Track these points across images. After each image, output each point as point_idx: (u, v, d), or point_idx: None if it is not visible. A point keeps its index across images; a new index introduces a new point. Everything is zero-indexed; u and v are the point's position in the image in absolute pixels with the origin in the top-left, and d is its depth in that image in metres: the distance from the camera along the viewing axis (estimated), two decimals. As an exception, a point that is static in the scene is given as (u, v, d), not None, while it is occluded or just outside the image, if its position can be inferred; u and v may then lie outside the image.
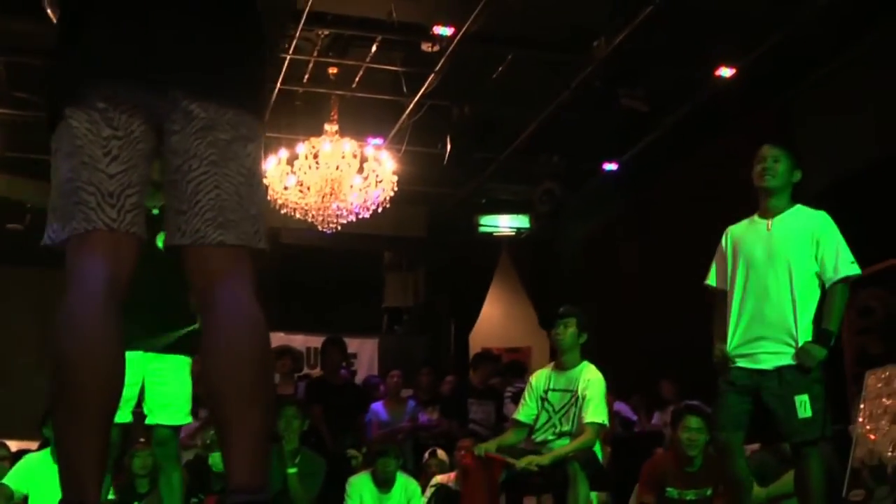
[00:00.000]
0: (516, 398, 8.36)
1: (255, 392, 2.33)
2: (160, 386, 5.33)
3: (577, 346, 6.68)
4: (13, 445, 8.96)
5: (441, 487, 7.58)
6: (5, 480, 6.75)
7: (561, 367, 6.72)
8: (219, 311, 2.37)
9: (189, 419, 5.57)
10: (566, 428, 6.53)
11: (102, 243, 2.38)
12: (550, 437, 6.59)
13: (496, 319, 14.58)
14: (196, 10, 2.45)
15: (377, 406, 10.27)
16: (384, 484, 7.81)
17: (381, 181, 10.73)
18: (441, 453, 8.85)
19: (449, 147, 11.41)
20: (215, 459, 7.58)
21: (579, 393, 6.51)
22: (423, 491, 7.92)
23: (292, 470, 7.20)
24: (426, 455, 8.89)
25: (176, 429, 5.47)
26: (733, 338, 5.28)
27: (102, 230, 2.37)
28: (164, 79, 2.39)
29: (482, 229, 14.53)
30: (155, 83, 2.39)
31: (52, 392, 2.31)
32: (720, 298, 5.46)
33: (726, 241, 5.51)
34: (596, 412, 6.45)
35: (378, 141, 11.23)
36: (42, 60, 9.84)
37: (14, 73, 10.29)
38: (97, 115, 2.38)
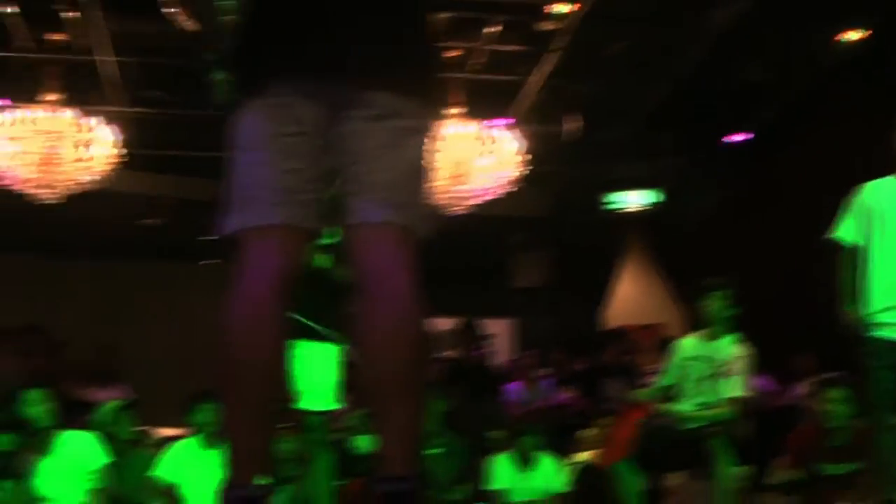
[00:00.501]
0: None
1: (409, 379, 2.36)
2: (308, 372, 5.41)
3: (723, 319, 6.61)
4: (161, 433, 9.20)
5: (585, 466, 7.58)
6: (153, 472, 6.93)
7: (706, 337, 6.65)
8: (377, 293, 2.39)
9: (336, 405, 5.64)
10: (706, 399, 6.47)
11: (275, 238, 2.43)
12: (690, 408, 6.54)
13: (629, 297, 14.46)
14: (370, 2, 2.49)
15: (513, 386, 10.29)
16: (526, 463, 7.83)
17: (506, 162, 10.71)
18: (582, 432, 8.84)
19: (573, 125, 11.35)
20: (358, 443, 7.67)
21: (723, 365, 6.44)
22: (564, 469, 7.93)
23: (432, 452, 7.25)
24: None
25: (324, 414, 5.55)
26: (874, 301, 5.08)
27: (277, 225, 2.42)
28: (342, 71, 2.43)
29: (609, 206, 14.41)
30: (333, 76, 2.44)
31: (218, 379, 2.38)
32: (852, 254, 5.21)
33: (863, 196, 5.24)
34: (738, 385, 6.38)
35: (502, 122, 11.21)
36: (169, 60, 10.08)
37: (145, 73, 10.51)
38: (275, 111, 2.43)
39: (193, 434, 7.17)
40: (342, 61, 2.44)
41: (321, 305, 5.27)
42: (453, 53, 10.60)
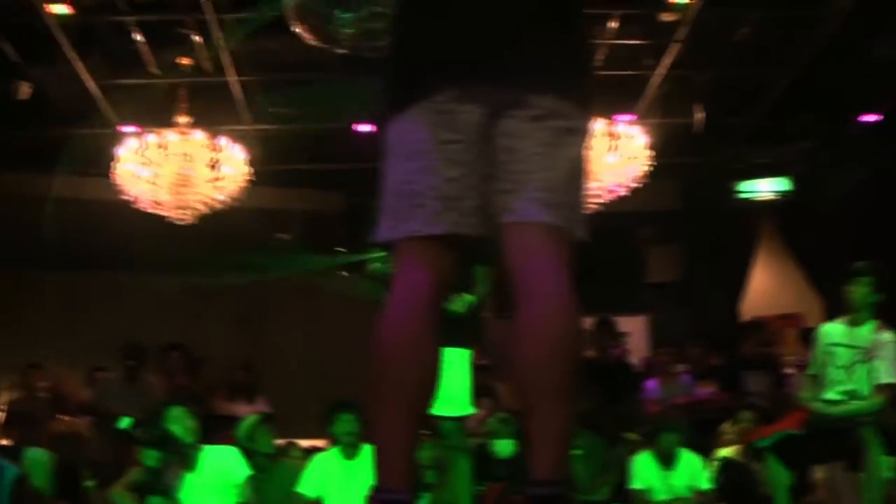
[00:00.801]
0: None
1: (563, 382, 2.34)
2: (441, 379, 5.42)
3: (867, 304, 6.43)
4: (303, 444, 9.33)
5: (729, 461, 7.45)
6: (298, 488, 7.01)
7: (851, 323, 6.48)
8: (534, 294, 2.38)
9: (472, 409, 5.64)
10: (853, 387, 6.29)
11: (436, 246, 2.44)
12: (837, 397, 6.37)
13: (764, 287, 14.18)
14: (530, 5, 2.48)
15: (651, 384, 10.18)
16: (667, 460, 7.73)
17: (633, 158, 10.61)
18: (723, 427, 8.70)
19: (699, 115, 11.19)
20: (499, 447, 7.67)
21: (868, 351, 6.27)
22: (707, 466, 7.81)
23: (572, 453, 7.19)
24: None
25: (460, 419, 5.56)
26: None
27: (439, 234, 2.42)
28: (502, 75, 2.42)
29: (740, 196, 14.15)
30: (493, 80, 2.42)
31: (371, 386, 2.41)
32: None
33: None
34: (888, 373, 6.20)
35: (627, 118, 11.11)
36: (292, 75, 10.24)
37: (268, 90, 10.69)
38: (438, 118, 2.43)
39: (333, 445, 7.25)
40: (502, 64, 2.43)
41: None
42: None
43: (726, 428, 8.62)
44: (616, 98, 10.98)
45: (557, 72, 2.47)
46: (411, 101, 2.46)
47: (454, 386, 5.43)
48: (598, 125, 10.46)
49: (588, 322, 10.60)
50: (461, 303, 5.37)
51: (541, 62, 2.45)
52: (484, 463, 7.50)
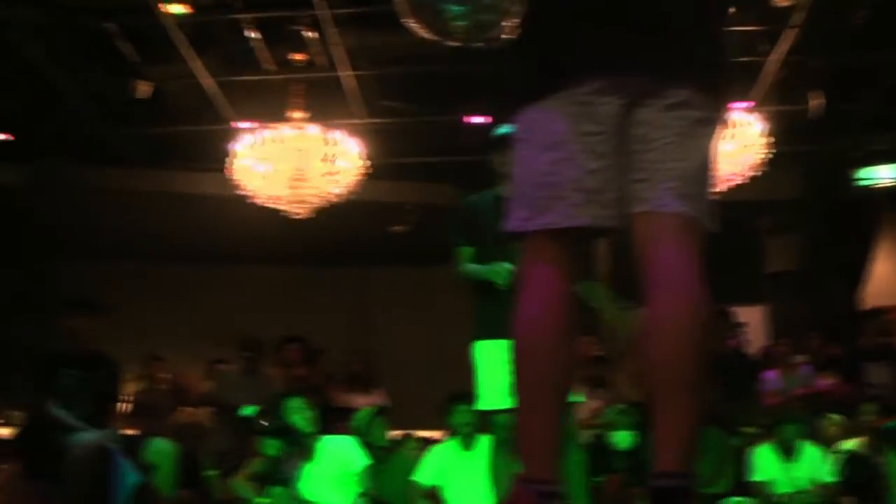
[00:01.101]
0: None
1: (691, 374, 2.32)
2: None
3: None
4: (420, 435, 9.39)
5: (853, 455, 7.31)
6: (415, 477, 7.06)
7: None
8: (665, 285, 2.37)
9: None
10: None
11: (574, 237, 2.45)
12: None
13: (886, 275, 13.86)
14: None
15: (770, 375, 10.02)
16: (788, 452, 7.61)
17: (750, 146, 10.44)
18: (839, 418, 8.52)
19: (816, 102, 10.98)
20: (617, 439, 7.62)
21: None
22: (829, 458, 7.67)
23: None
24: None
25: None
26: None
27: (578, 227, 2.42)
28: (643, 66, 2.42)
29: (860, 183, 13.84)
30: (633, 71, 2.42)
31: (512, 378, 2.43)
32: None
33: None
34: None
35: (743, 105, 10.93)
36: (405, 69, 10.29)
37: (383, 84, 10.76)
38: (578, 109, 2.42)
39: (451, 436, 7.28)
40: (642, 55, 2.42)
41: None
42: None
43: (835, 419, 8.45)
44: (733, 85, 10.82)
45: (695, 62, 2.45)
46: (550, 90, 2.45)
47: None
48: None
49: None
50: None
51: (680, 52, 2.44)
52: (602, 455, 7.47)
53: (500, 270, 5.05)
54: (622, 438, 7.64)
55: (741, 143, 10.43)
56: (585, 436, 6.81)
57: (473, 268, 5.25)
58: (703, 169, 2.45)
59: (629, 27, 2.42)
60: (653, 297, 2.37)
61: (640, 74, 2.41)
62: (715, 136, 2.49)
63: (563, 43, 2.48)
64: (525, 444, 2.41)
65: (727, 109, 2.60)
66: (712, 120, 2.48)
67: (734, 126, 10.37)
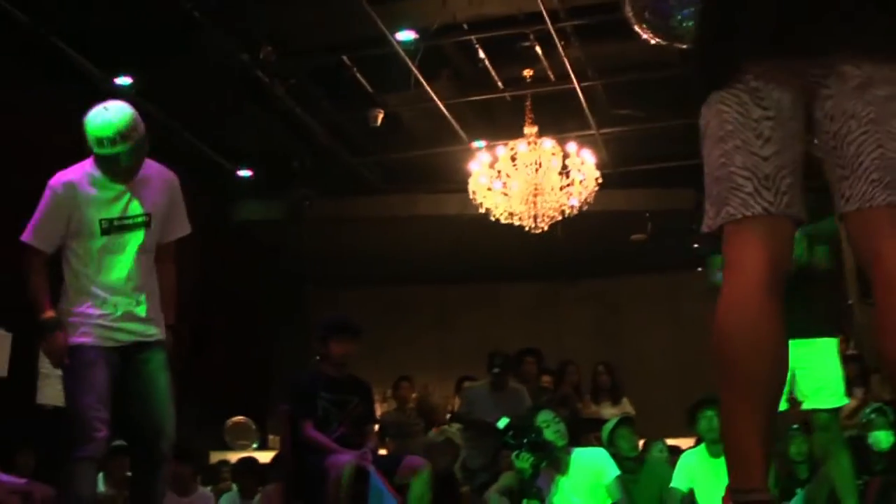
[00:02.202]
0: None
1: None
2: (810, 370, 5.27)
3: None
4: (669, 442, 9.27)
5: None
6: (674, 483, 6.99)
7: None
8: (890, 278, 2.23)
9: (845, 400, 5.42)
10: None
11: (760, 228, 2.34)
12: None
13: None
14: None
15: None
16: None
17: None
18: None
19: None
20: (875, 438, 7.33)
21: None
22: None
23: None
24: None
25: (834, 411, 5.36)
26: None
27: (760, 215, 2.33)
28: (814, 44, 2.32)
29: None
30: (805, 51, 2.33)
31: (719, 381, 2.32)
32: None
33: None
34: None
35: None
36: (635, 76, 10.22)
37: (611, 92, 10.72)
38: (747, 97, 2.35)
39: (699, 443, 7.17)
40: (809, 34, 2.32)
41: (805, 299, 5.07)
42: None
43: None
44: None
45: (871, 31, 2.30)
46: (720, 83, 2.39)
47: (825, 376, 5.24)
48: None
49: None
50: None
51: (852, 24, 2.30)
52: (861, 456, 7.19)
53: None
54: (881, 438, 7.34)
55: None
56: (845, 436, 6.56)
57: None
58: None
59: (789, 6, 2.32)
60: (882, 297, 2.25)
61: (810, 56, 2.31)
62: None
63: (725, 33, 2.41)
64: (734, 449, 2.30)
65: None
66: None
67: None
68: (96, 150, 4.57)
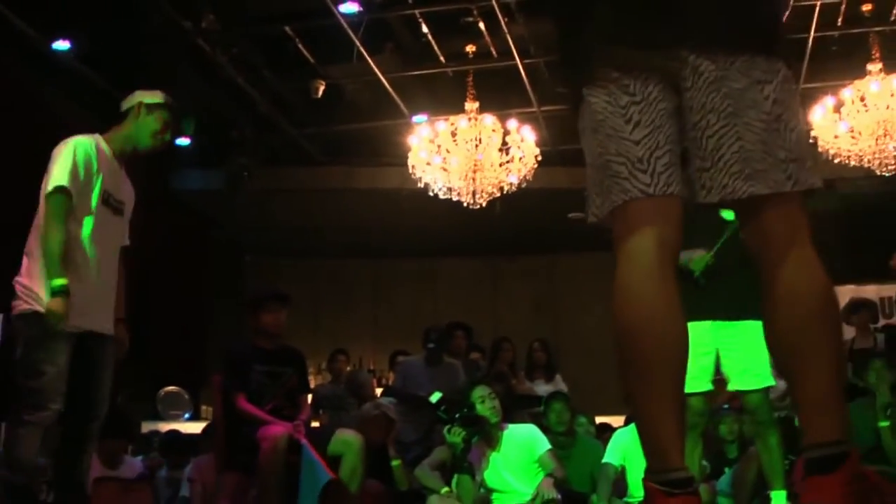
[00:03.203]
0: None
1: (821, 345, 2.27)
2: (736, 351, 5.35)
3: None
4: (597, 421, 9.38)
5: None
6: (606, 459, 7.06)
7: None
8: (776, 263, 2.32)
9: (772, 381, 5.49)
10: None
11: (642, 211, 2.36)
12: None
13: None
14: None
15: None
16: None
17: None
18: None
19: None
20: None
21: None
22: None
23: (884, 423, 6.91)
24: None
25: (765, 392, 5.44)
26: None
27: (639, 198, 2.35)
28: (670, 39, 2.35)
29: None
30: (661, 46, 2.36)
31: (620, 364, 2.34)
32: None
33: None
34: None
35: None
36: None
37: (554, 71, 10.73)
38: (612, 86, 2.39)
39: (631, 421, 7.26)
40: (665, 30, 2.34)
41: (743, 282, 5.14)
42: (865, 8, 10.11)
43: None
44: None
45: (730, 27, 2.35)
46: (585, 79, 2.43)
47: (752, 357, 5.32)
48: (897, 82, 9.98)
49: (892, 290, 10.12)
50: (700, 261, 5.22)
51: (703, 18, 2.34)
52: (789, 436, 7.32)
53: (697, 259, 5.02)
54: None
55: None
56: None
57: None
58: (765, 140, 2.33)
59: (648, 7, 2.36)
60: (766, 277, 2.34)
61: (668, 50, 2.35)
62: (773, 97, 2.35)
63: (580, 31, 2.44)
64: (649, 432, 2.31)
65: (787, 64, 2.41)
66: (763, 82, 2.35)
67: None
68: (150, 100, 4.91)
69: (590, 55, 2.44)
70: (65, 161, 4.63)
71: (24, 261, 4.65)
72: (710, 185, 2.36)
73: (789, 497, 5.40)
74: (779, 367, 2.42)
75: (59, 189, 4.58)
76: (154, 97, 4.97)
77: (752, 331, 5.24)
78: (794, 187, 2.34)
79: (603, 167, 2.41)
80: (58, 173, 4.60)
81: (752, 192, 2.32)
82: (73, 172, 4.63)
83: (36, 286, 4.55)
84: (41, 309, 4.49)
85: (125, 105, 4.97)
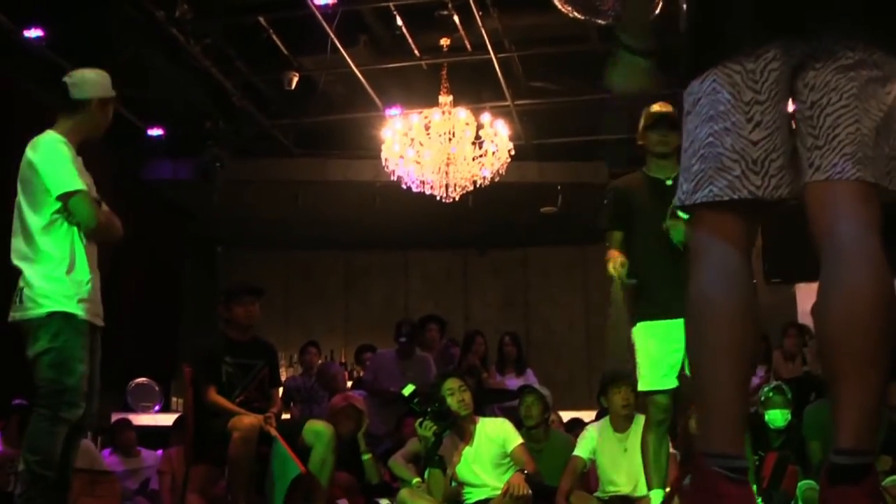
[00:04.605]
0: None
1: (876, 346, 2.23)
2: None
3: None
4: (567, 416, 9.40)
5: None
6: (576, 452, 7.07)
7: None
8: (842, 253, 2.29)
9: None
10: None
11: (742, 210, 2.39)
12: None
13: None
14: None
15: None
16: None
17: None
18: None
19: None
20: (772, 416, 7.52)
21: None
22: None
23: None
24: None
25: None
26: None
27: (746, 198, 2.37)
28: (808, 26, 2.35)
29: None
30: (798, 32, 2.36)
31: (693, 350, 2.41)
32: None
33: None
34: None
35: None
36: (552, 49, 10.25)
37: (528, 65, 10.73)
38: (739, 78, 2.38)
39: (601, 415, 7.28)
40: (806, 15, 2.35)
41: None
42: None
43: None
44: None
45: (868, 17, 2.36)
46: (715, 61, 2.42)
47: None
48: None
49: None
50: (681, 233, 5.22)
51: (848, 8, 2.35)
52: (759, 432, 7.37)
53: (682, 229, 5.04)
54: (777, 417, 7.53)
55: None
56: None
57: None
58: (879, 131, 2.34)
59: None
60: (832, 270, 2.31)
61: (805, 35, 2.35)
62: (894, 94, 2.37)
63: (721, 8, 2.43)
64: (709, 418, 2.34)
65: None
66: (889, 79, 2.37)
67: None
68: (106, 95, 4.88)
69: (720, 41, 2.43)
70: (66, 162, 4.68)
71: (26, 268, 4.64)
72: (820, 163, 2.36)
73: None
74: (823, 358, 2.40)
75: (80, 192, 4.67)
76: (107, 91, 4.94)
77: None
78: (890, 185, 2.36)
79: (710, 158, 2.40)
80: (67, 177, 4.66)
81: (859, 176, 2.32)
82: (79, 172, 4.71)
83: (56, 287, 4.60)
84: (67, 309, 4.57)
85: (75, 93, 4.88)
